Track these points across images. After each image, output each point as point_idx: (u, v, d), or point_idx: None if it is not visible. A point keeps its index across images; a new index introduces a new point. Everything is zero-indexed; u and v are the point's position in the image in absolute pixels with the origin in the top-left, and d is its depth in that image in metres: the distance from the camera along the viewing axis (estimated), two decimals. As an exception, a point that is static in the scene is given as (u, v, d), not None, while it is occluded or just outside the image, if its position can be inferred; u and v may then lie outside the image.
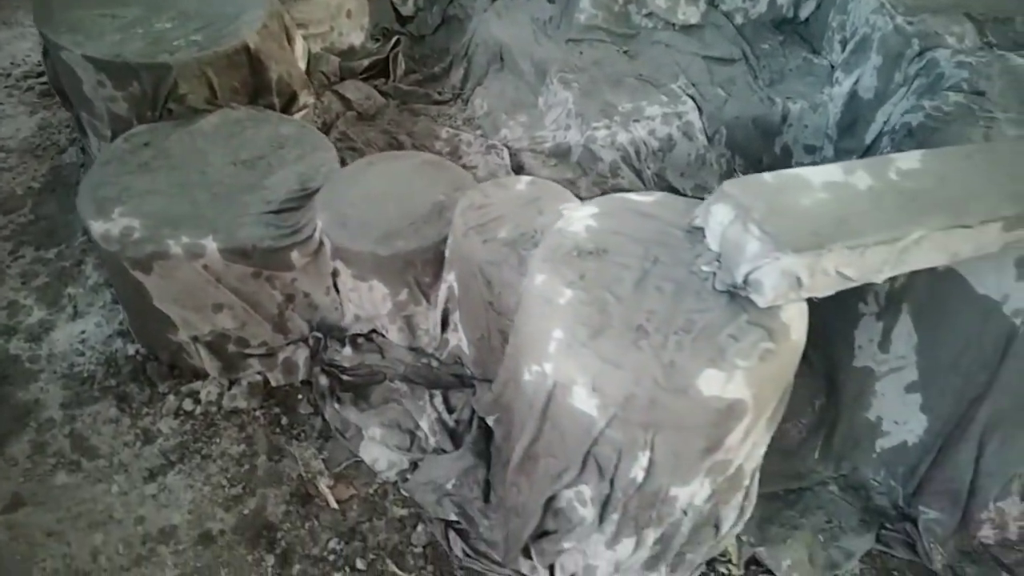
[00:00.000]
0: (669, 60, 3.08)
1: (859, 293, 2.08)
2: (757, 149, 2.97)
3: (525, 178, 1.99)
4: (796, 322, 1.41)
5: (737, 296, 1.43)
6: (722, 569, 2.10)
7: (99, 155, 2.46)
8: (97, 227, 2.16)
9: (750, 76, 3.06)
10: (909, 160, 1.56)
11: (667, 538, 1.65)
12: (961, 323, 1.86)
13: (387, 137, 3.03)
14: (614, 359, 1.34)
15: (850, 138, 2.94)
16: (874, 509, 2.21)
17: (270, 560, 2.07)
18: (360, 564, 2.06)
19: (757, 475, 1.75)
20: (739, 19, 3.33)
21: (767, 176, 1.49)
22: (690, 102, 2.89)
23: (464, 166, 2.98)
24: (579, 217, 1.59)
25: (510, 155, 2.89)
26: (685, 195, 2.81)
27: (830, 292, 1.45)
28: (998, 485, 2.03)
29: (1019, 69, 2.58)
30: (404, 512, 2.17)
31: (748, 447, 1.52)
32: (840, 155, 2.97)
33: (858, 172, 1.50)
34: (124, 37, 2.56)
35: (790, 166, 2.59)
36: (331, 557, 2.08)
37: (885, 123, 2.77)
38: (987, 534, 2.13)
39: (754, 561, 2.11)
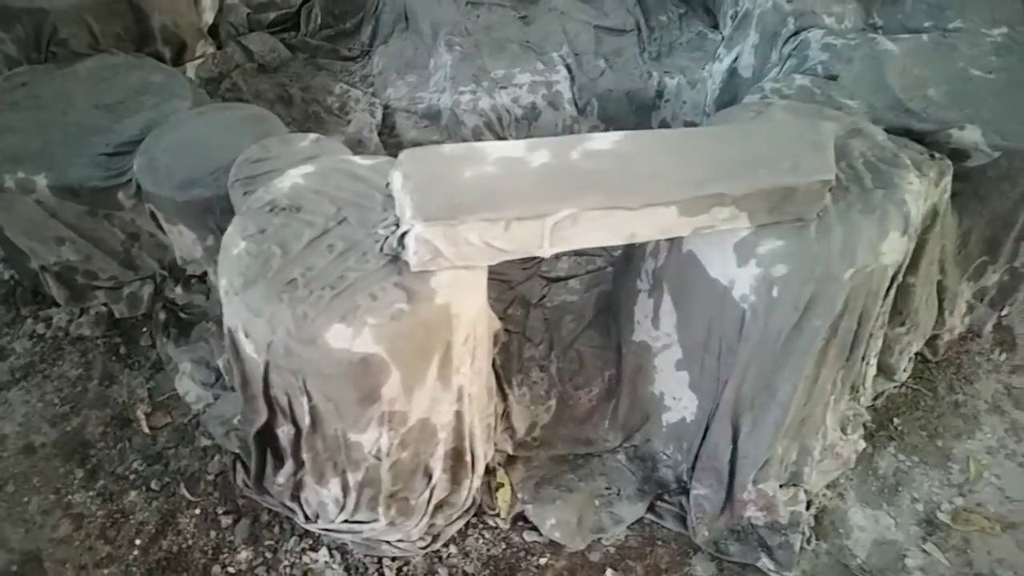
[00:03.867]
0: (559, 28, 3.09)
1: (636, 271, 2.12)
2: (633, 123, 2.97)
3: (312, 136, 2.08)
4: (447, 288, 1.48)
5: (399, 259, 1.51)
6: (491, 522, 2.21)
7: (-21, 93, 2.65)
8: (-53, 159, 2.35)
9: (638, 48, 3.04)
10: (603, 141, 1.58)
11: (371, 481, 1.76)
12: (704, 305, 1.88)
13: (279, 90, 3.14)
14: (256, 308, 1.45)
15: (728, 116, 2.90)
16: (657, 480, 2.27)
17: (79, 473, 2.27)
18: (155, 485, 2.24)
19: (475, 432, 1.84)
20: (644, -13, 3.26)
21: (447, 147, 1.55)
22: (563, 71, 2.90)
23: (349, 122, 3.08)
24: (293, 174, 1.68)
25: (384, 114, 2.97)
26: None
27: (490, 261, 1.51)
28: (754, 467, 2.05)
29: (884, 54, 2.50)
30: (209, 443, 2.33)
31: (425, 402, 1.61)
32: (716, 133, 2.94)
33: (540, 150, 1.54)
34: (10, -22, 2.71)
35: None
36: (131, 476, 2.27)
37: (755, 104, 2.73)
38: (756, 515, 2.16)
39: (524, 518, 2.21)
